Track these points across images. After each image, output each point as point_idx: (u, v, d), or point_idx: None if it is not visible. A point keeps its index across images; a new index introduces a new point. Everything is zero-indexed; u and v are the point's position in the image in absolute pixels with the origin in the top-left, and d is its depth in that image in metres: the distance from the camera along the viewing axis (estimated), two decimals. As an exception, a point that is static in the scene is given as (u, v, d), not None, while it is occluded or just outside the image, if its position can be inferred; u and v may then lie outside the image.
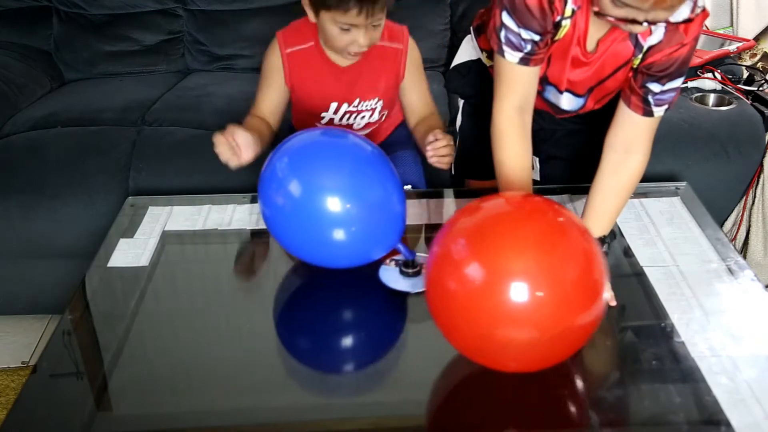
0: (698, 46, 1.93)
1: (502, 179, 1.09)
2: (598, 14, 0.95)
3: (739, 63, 1.94)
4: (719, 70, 1.85)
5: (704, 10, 1.02)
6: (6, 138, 1.72)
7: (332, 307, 1.08)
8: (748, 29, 1.99)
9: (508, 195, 0.96)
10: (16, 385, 1.60)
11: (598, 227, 1.12)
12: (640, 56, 1.07)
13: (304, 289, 1.16)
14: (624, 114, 1.12)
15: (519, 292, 0.78)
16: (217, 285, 1.16)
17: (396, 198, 1.05)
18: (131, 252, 1.18)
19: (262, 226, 1.26)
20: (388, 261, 1.13)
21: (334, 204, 0.98)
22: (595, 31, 1.06)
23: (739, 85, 1.84)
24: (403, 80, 1.37)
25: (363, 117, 1.40)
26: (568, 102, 1.21)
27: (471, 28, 1.34)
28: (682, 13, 1.01)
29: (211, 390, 0.92)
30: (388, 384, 0.95)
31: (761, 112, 1.73)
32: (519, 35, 1.03)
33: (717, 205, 1.67)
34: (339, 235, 1.01)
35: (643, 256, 1.15)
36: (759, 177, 1.74)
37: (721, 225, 1.80)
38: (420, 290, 1.06)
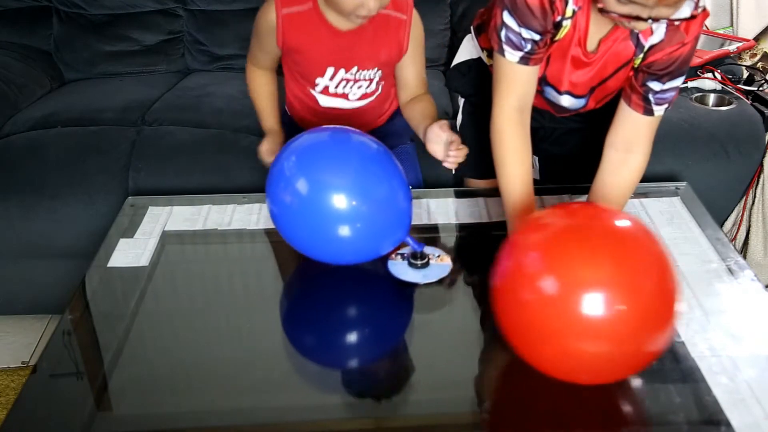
0: (698, 46, 1.93)
1: (502, 178, 1.09)
2: (602, 11, 0.95)
3: (739, 63, 1.94)
4: (719, 70, 1.85)
5: (705, 9, 1.02)
6: (6, 138, 1.72)
7: (332, 306, 1.08)
8: (748, 29, 1.99)
9: (573, 206, 0.94)
10: (16, 385, 1.60)
11: (598, 227, 1.12)
12: (641, 56, 1.07)
13: (304, 289, 1.16)
14: (624, 113, 1.12)
15: (596, 304, 0.77)
16: (217, 285, 1.16)
17: (402, 194, 1.06)
18: (131, 252, 1.18)
19: (261, 226, 1.26)
20: (394, 255, 1.14)
21: (341, 201, 1.00)
22: (596, 31, 1.06)
23: (739, 85, 1.84)
24: (405, 53, 1.33)
25: (360, 86, 1.36)
26: (568, 102, 1.21)
27: (471, 27, 1.34)
28: (683, 12, 1.01)
29: (211, 390, 0.92)
30: (388, 384, 0.95)
31: (761, 112, 1.73)
32: (519, 34, 1.03)
33: (717, 205, 1.67)
34: (347, 231, 1.02)
35: (643, 256, 1.15)
36: (759, 177, 1.74)
37: (721, 225, 1.80)
38: (430, 281, 1.09)
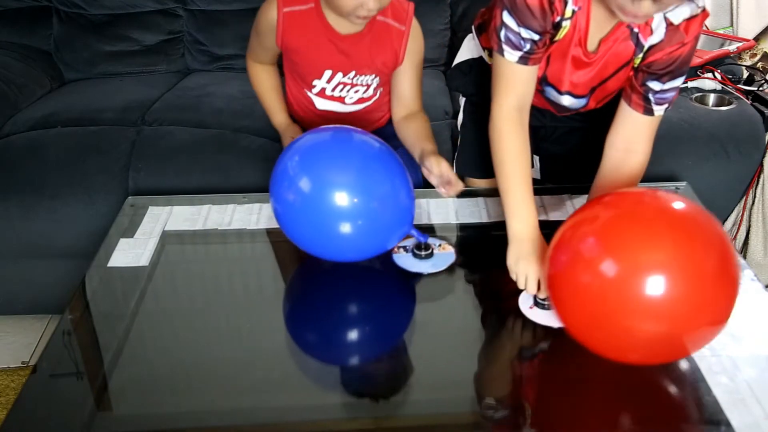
0: (698, 46, 1.93)
1: (502, 178, 1.09)
2: None
3: (739, 63, 1.93)
4: (719, 70, 1.85)
5: (704, 9, 1.03)
6: (6, 138, 1.72)
7: (333, 306, 1.08)
8: (748, 29, 1.99)
9: (630, 191, 0.95)
10: (16, 385, 1.60)
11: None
12: (641, 55, 1.07)
13: (305, 288, 1.16)
14: (625, 113, 1.12)
15: (655, 285, 0.80)
16: (217, 285, 1.16)
17: (405, 191, 1.08)
18: (131, 252, 1.18)
19: (262, 225, 1.26)
20: (397, 249, 1.16)
21: (345, 199, 1.01)
22: (597, 31, 1.06)
23: (739, 85, 1.84)
24: (401, 64, 1.33)
25: (357, 91, 1.36)
26: (569, 102, 1.21)
27: (473, 27, 1.34)
28: (683, 12, 1.01)
29: (211, 390, 0.92)
30: (388, 384, 0.95)
31: (761, 112, 1.73)
32: (519, 34, 1.03)
33: (717, 205, 1.67)
34: (351, 229, 1.03)
35: (643, 256, 1.15)
36: (759, 177, 1.74)
37: (722, 225, 1.80)
38: (439, 270, 1.13)
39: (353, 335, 1.07)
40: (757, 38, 1.98)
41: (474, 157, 1.40)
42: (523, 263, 1.02)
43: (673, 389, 0.89)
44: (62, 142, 1.69)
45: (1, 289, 1.74)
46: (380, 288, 1.15)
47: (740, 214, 1.80)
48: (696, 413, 0.86)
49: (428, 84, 1.51)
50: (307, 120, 1.43)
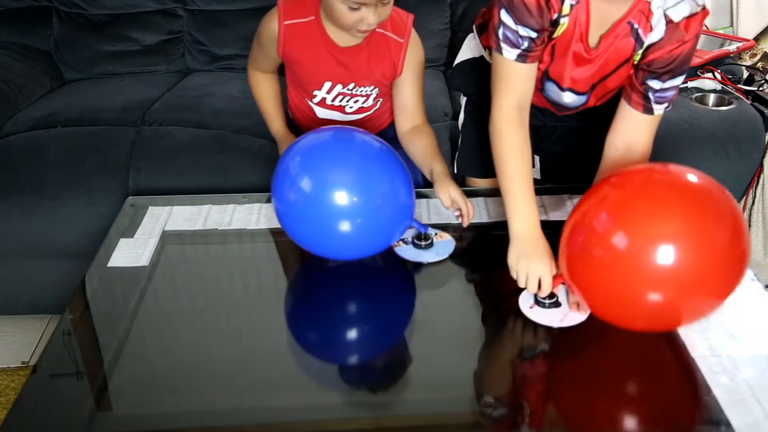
0: (698, 46, 1.93)
1: (503, 178, 1.09)
2: None
3: (739, 63, 1.94)
4: (719, 70, 1.85)
5: (704, 8, 1.03)
6: (6, 138, 1.72)
7: (335, 305, 1.08)
8: (748, 29, 1.99)
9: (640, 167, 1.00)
10: (16, 385, 1.60)
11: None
12: (641, 52, 1.07)
13: (305, 288, 1.16)
14: (625, 112, 1.13)
15: (664, 255, 0.84)
16: (217, 285, 1.16)
17: (405, 190, 1.09)
18: (131, 252, 1.18)
19: (262, 225, 1.26)
20: (397, 242, 1.18)
21: (346, 198, 1.02)
22: (597, 26, 1.06)
23: (739, 85, 1.84)
24: (399, 76, 1.34)
25: (357, 101, 1.37)
26: (570, 99, 1.21)
27: (473, 26, 1.35)
28: (683, 10, 1.01)
29: (211, 390, 0.92)
30: (389, 384, 0.95)
31: (761, 112, 1.73)
32: (516, 32, 1.04)
33: (717, 205, 1.67)
34: (352, 227, 1.04)
35: (643, 256, 1.15)
36: (759, 177, 1.74)
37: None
38: (443, 257, 1.16)
39: (354, 335, 1.06)
40: (757, 38, 1.98)
41: (474, 156, 1.40)
42: (524, 262, 1.02)
43: (673, 389, 0.89)
44: (62, 142, 1.69)
45: (1, 289, 1.74)
46: (382, 285, 1.15)
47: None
48: (696, 413, 0.86)
49: (428, 84, 1.50)
50: (308, 126, 1.44)
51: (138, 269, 1.14)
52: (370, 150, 1.08)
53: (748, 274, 1.09)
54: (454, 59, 1.44)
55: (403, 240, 1.19)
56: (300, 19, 1.27)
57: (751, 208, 1.79)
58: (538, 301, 1.02)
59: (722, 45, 1.99)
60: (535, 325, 0.99)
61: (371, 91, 1.36)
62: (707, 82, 1.85)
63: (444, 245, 1.19)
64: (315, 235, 1.07)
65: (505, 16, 1.04)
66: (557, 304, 1.02)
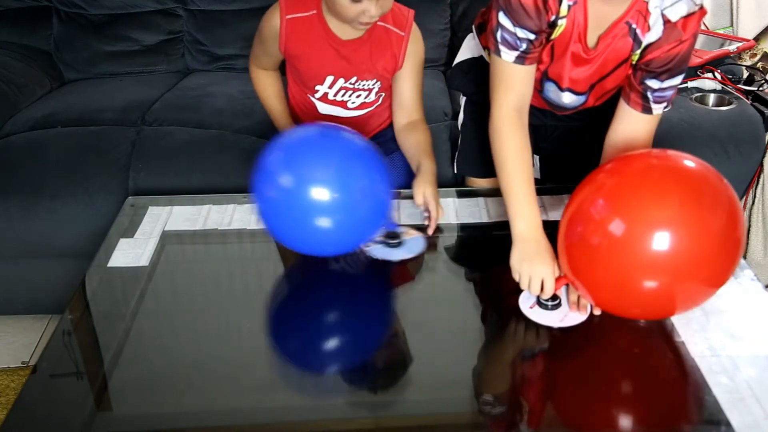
0: (698, 46, 1.94)
1: (503, 178, 1.09)
2: None
3: (739, 63, 1.93)
4: (719, 70, 1.85)
5: (702, 7, 1.03)
6: (6, 138, 1.72)
7: (333, 304, 1.08)
8: (748, 29, 1.99)
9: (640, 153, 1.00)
10: (16, 385, 1.60)
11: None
12: (639, 52, 1.07)
13: (304, 288, 1.16)
14: (624, 111, 1.13)
15: (660, 242, 0.85)
16: (217, 285, 1.16)
17: (382, 187, 1.08)
18: (131, 252, 1.18)
19: (262, 225, 1.26)
20: (369, 244, 1.18)
21: (324, 193, 1.01)
22: (595, 27, 1.06)
23: (739, 85, 1.84)
24: (400, 69, 1.34)
25: (359, 96, 1.38)
26: (569, 99, 1.21)
27: (473, 26, 1.35)
28: (680, 9, 1.01)
29: (211, 390, 0.92)
30: (389, 384, 0.95)
31: (761, 112, 1.73)
32: (515, 34, 1.04)
33: (717, 205, 1.66)
34: (329, 223, 1.03)
35: (643, 256, 1.15)
36: (759, 177, 1.74)
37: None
38: (415, 254, 1.16)
39: (354, 335, 1.06)
40: (757, 38, 1.98)
41: (474, 156, 1.40)
42: (527, 264, 1.01)
43: (673, 389, 0.89)
44: (62, 142, 1.69)
45: (1, 289, 1.74)
46: (381, 286, 1.15)
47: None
48: (696, 413, 0.86)
49: (428, 84, 1.51)
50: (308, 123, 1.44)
51: (138, 269, 1.14)
52: (350, 146, 1.08)
53: (748, 274, 1.09)
54: (454, 59, 1.44)
55: (372, 240, 1.18)
56: (301, 13, 1.28)
57: (751, 208, 1.79)
58: (540, 303, 1.02)
59: (722, 45, 1.99)
60: (535, 325, 0.99)
61: (373, 84, 1.36)
62: (707, 82, 1.85)
63: (414, 243, 1.19)
64: (292, 231, 1.07)
65: (503, 18, 1.04)
66: (560, 306, 1.02)
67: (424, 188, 1.21)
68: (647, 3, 1.02)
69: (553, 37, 1.07)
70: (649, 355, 0.95)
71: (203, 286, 1.16)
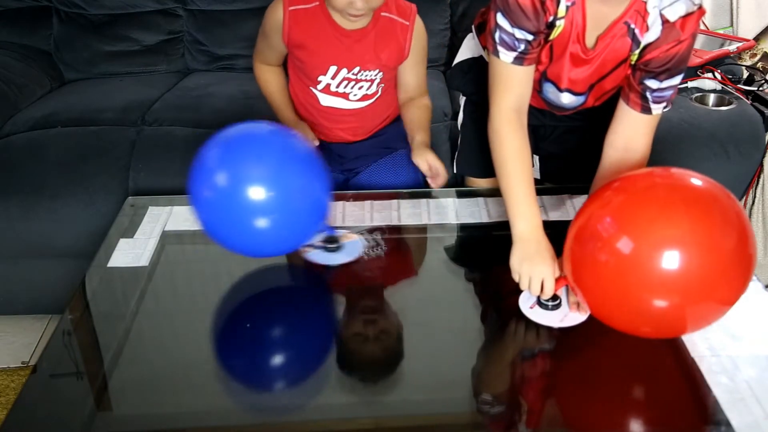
0: (698, 46, 1.94)
1: (503, 179, 1.09)
2: None
3: (739, 63, 1.93)
4: (719, 70, 1.85)
5: (701, 7, 1.03)
6: (6, 138, 1.72)
7: (332, 304, 1.08)
8: (748, 29, 1.99)
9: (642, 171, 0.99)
10: (16, 385, 1.60)
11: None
12: (638, 52, 1.07)
13: (304, 288, 1.16)
14: (623, 112, 1.13)
15: (669, 261, 0.83)
16: (217, 285, 1.16)
17: (319, 186, 1.07)
18: (131, 252, 1.18)
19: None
20: (305, 248, 1.18)
21: (259, 192, 0.99)
22: (594, 27, 1.06)
23: (739, 85, 1.84)
24: (406, 59, 1.38)
25: (361, 87, 1.39)
26: (568, 99, 1.21)
27: (473, 26, 1.35)
28: (679, 9, 1.01)
29: (211, 390, 0.92)
30: (388, 384, 0.95)
31: (761, 112, 1.73)
32: (513, 35, 1.04)
33: (717, 205, 1.66)
34: (264, 223, 1.02)
35: (643, 256, 1.15)
36: (759, 177, 1.74)
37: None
38: (353, 258, 1.15)
39: (353, 335, 1.06)
40: (757, 38, 1.98)
41: (474, 156, 1.40)
42: (528, 264, 1.01)
43: (673, 389, 0.89)
44: (62, 142, 1.69)
45: (1, 289, 1.74)
46: (381, 285, 1.15)
47: (740, 213, 1.80)
48: (696, 413, 0.86)
49: (428, 84, 1.51)
50: (310, 119, 1.44)
51: (138, 269, 1.14)
52: (288, 147, 1.07)
53: (748, 274, 1.09)
54: (454, 59, 1.44)
55: (311, 245, 1.18)
56: (304, 5, 1.31)
57: (751, 208, 1.79)
58: (540, 303, 1.02)
59: (722, 45, 1.99)
60: (535, 325, 0.99)
61: (375, 75, 1.38)
62: (707, 82, 1.85)
63: (353, 246, 1.18)
64: (229, 232, 1.05)
65: (501, 19, 1.04)
66: (560, 306, 1.02)
67: (424, 155, 1.34)
68: (646, 3, 1.02)
69: (551, 37, 1.07)
70: (649, 355, 0.95)
71: (203, 286, 1.16)
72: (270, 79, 1.46)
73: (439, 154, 1.35)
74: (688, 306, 0.86)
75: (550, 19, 1.04)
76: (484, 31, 1.26)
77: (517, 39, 1.04)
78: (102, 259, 1.17)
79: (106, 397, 0.91)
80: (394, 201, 1.32)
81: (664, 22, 1.03)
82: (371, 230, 1.24)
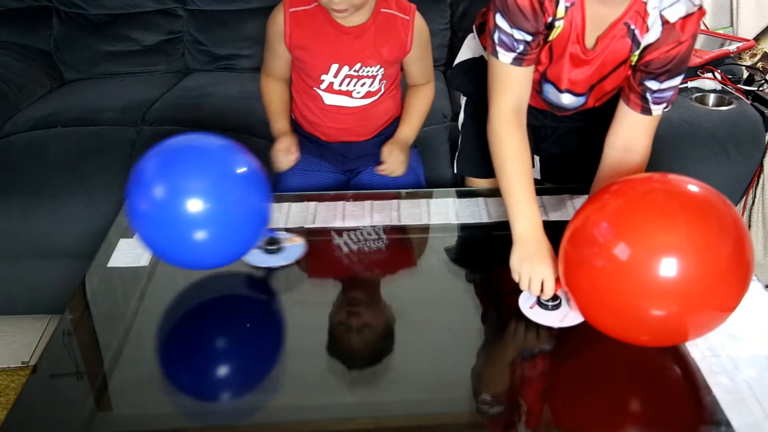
0: (698, 46, 1.94)
1: (503, 180, 1.09)
2: None
3: (739, 63, 1.94)
4: (719, 70, 1.85)
5: (701, 8, 1.03)
6: (6, 138, 1.72)
7: (332, 305, 1.08)
8: (748, 29, 1.99)
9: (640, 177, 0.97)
10: (16, 385, 1.60)
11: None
12: (638, 53, 1.07)
13: (304, 288, 1.16)
14: (623, 112, 1.13)
15: (667, 269, 0.82)
16: (217, 285, 1.16)
17: (259, 195, 1.05)
18: (131, 252, 1.18)
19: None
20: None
21: (197, 205, 0.97)
22: (594, 28, 1.06)
23: (739, 85, 1.84)
24: (409, 53, 1.40)
25: (363, 84, 1.39)
26: (568, 100, 1.21)
27: (474, 26, 1.35)
28: (678, 10, 1.01)
29: (211, 390, 0.92)
30: (388, 384, 0.95)
31: (761, 112, 1.73)
32: (512, 36, 1.04)
33: (717, 205, 1.66)
34: (203, 235, 1.00)
35: (643, 256, 1.14)
36: (759, 177, 1.74)
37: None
38: (290, 262, 1.14)
39: (352, 334, 1.06)
40: (757, 38, 1.98)
41: (475, 156, 1.40)
42: (528, 264, 1.01)
43: (673, 389, 0.89)
44: (62, 142, 1.69)
45: (1, 289, 1.74)
46: (380, 286, 1.15)
47: (740, 214, 1.81)
48: (696, 413, 0.86)
49: (428, 84, 1.51)
50: (315, 120, 1.45)
51: (138, 269, 1.14)
52: (224, 157, 1.04)
53: (748, 274, 1.09)
54: (454, 59, 1.44)
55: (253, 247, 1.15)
56: (304, 6, 1.34)
57: (751, 208, 1.79)
58: (540, 303, 1.02)
59: (722, 45, 1.99)
60: (535, 325, 0.99)
61: (377, 71, 1.39)
62: (707, 82, 1.85)
63: (294, 249, 1.17)
64: (167, 243, 1.03)
65: (500, 20, 1.04)
66: (560, 306, 1.02)
67: (391, 147, 1.42)
68: (645, 4, 1.02)
69: (550, 38, 1.07)
70: (648, 355, 0.95)
71: (203, 287, 1.16)
72: (273, 90, 1.47)
73: (438, 155, 1.36)
74: (687, 314, 0.85)
75: (549, 19, 1.04)
76: (485, 32, 1.27)
77: (516, 40, 1.04)
78: (102, 259, 1.17)
79: (106, 397, 0.91)
80: (394, 201, 1.32)
81: (664, 23, 1.03)
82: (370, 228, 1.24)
